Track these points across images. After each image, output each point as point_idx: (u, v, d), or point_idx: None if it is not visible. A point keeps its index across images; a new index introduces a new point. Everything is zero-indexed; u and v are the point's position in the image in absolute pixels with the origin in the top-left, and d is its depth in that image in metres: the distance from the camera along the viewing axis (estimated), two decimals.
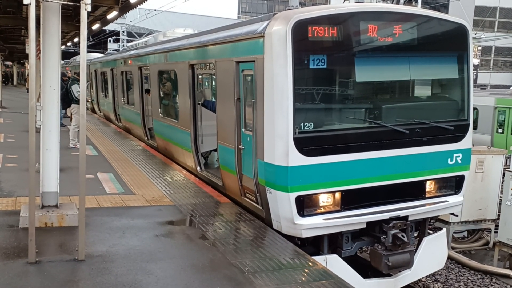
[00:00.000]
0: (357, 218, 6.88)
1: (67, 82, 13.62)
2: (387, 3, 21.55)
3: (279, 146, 6.50)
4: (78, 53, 36.46)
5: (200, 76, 12.73)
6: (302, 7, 7.79)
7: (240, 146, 7.52)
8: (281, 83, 6.41)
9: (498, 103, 18.97)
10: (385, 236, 7.03)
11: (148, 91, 13.76)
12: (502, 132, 18.73)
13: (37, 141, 5.58)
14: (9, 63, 58.32)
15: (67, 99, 13.15)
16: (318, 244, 7.05)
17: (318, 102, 6.92)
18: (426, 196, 7.54)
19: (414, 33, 7.23)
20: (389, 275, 7.45)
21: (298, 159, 6.48)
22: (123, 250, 5.78)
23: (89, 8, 5.21)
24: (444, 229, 8.50)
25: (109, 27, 29.85)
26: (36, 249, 5.34)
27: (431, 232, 8.31)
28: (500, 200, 11.22)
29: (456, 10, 35.26)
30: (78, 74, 13.76)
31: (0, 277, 4.91)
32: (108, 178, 9.46)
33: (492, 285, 9.60)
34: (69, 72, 18.22)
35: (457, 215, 8.70)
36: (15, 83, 59.21)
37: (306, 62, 6.53)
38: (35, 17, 5.11)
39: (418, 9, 8.81)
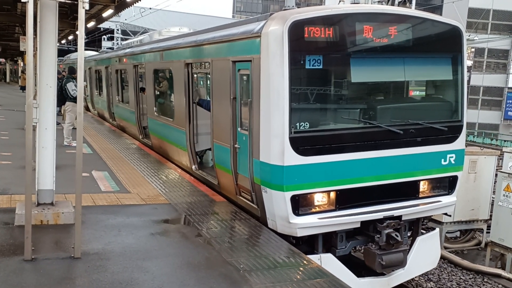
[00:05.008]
0: (351, 218, 6.93)
1: (61, 80, 13.57)
2: (382, 4, 21.64)
3: (275, 146, 6.54)
4: (72, 51, 36.05)
5: (195, 75, 12.73)
6: (298, 7, 7.83)
7: (236, 145, 7.55)
8: (277, 83, 6.45)
9: None
10: (379, 236, 7.09)
11: (143, 89, 13.75)
12: None
13: (33, 139, 5.59)
14: (2, 60, 57.99)
15: (62, 97, 13.10)
16: (313, 243, 7.10)
17: (314, 102, 6.97)
18: (420, 196, 7.60)
19: (408, 34, 7.29)
20: (382, 274, 7.51)
21: (293, 159, 6.52)
22: (119, 248, 5.79)
23: (87, 6, 5.21)
24: (437, 229, 8.58)
25: (104, 25, 29.70)
26: (32, 247, 5.34)
27: (424, 231, 8.38)
28: (492, 200, 11.33)
29: (450, 12, 35.43)
30: (70, 72, 13.80)
31: None
32: (103, 176, 9.46)
33: (484, 285, 9.70)
34: (64, 71, 18.12)
35: (450, 215, 8.79)
36: (8, 80, 58.87)
37: (302, 62, 6.57)
38: (33, 14, 5.11)
39: (412, 11, 8.89)
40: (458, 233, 12.45)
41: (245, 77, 7.28)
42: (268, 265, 5.52)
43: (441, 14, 33.15)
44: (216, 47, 8.36)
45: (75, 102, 12.52)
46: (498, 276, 9.97)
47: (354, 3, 8.27)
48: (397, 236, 7.05)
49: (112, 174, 9.65)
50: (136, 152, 12.45)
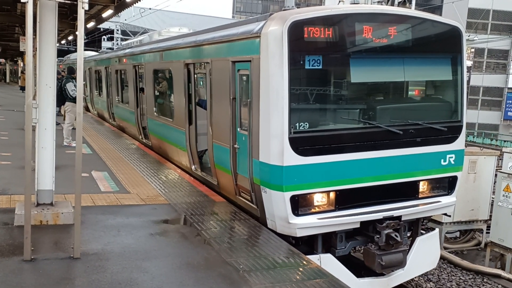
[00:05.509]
0: (351, 218, 6.93)
1: (61, 80, 13.57)
2: (381, 4, 21.65)
3: (274, 146, 6.53)
4: (72, 51, 36.06)
5: (195, 75, 12.76)
6: (298, 7, 7.83)
7: (235, 146, 7.55)
8: (276, 83, 6.45)
9: None
10: (378, 236, 7.08)
11: (142, 89, 13.74)
12: None
13: (32, 139, 5.58)
14: (2, 60, 58.03)
15: (61, 97, 13.10)
16: (312, 243, 7.09)
17: (313, 102, 6.96)
18: (419, 196, 7.60)
19: (408, 34, 7.29)
20: (382, 274, 7.50)
21: (293, 159, 6.52)
22: (118, 248, 5.79)
23: (86, 7, 5.21)
24: (437, 229, 8.58)
25: (104, 25, 29.72)
26: (32, 247, 5.34)
27: (424, 232, 8.38)
28: (492, 201, 11.32)
29: (450, 12, 35.43)
30: (70, 72, 13.81)
31: None
32: (102, 176, 9.45)
33: (483, 285, 9.69)
34: (63, 71, 18.12)
35: (449, 216, 8.80)
36: (8, 80, 58.88)
37: (301, 62, 6.57)
38: (32, 15, 5.11)
39: (412, 11, 8.89)
40: (457, 234, 12.44)
41: (244, 77, 7.28)
42: (267, 265, 5.52)
43: (441, 14, 33.17)
44: (215, 48, 8.36)
45: (75, 102, 12.53)
46: (498, 276, 9.97)
47: (354, 3, 8.27)
48: (397, 237, 7.04)
49: (111, 174, 9.65)
50: (136, 152, 12.45)
